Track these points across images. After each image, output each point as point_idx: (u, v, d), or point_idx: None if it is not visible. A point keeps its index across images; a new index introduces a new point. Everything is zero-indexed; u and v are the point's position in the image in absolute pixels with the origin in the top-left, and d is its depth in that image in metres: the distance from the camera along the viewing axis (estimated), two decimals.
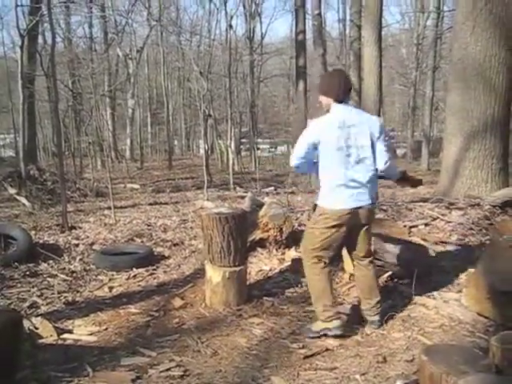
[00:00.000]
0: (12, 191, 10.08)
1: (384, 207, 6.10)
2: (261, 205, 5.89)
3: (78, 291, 4.74)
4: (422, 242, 4.87)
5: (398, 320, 3.73)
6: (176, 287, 4.68)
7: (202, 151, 20.43)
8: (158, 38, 22.47)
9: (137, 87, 25.01)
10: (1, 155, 24.01)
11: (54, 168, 12.69)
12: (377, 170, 3.50)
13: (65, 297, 4.55)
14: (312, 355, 3.24)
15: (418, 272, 4.31)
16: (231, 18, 17.00)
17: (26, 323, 3.56)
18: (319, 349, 3.33)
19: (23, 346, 3.18)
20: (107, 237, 6.71)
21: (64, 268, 5.37)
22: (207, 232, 4.15)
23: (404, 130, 32.63)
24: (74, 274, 5.17)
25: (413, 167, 20.21)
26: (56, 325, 3.79)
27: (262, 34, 27.01)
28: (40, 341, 3.56)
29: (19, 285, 4.84)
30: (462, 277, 4.20)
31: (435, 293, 4.12)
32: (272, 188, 12.24)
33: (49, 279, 5.01)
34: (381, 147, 3.46)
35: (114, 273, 5.21)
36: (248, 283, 4.47)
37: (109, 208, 8.69)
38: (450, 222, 5.45)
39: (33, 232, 6.74)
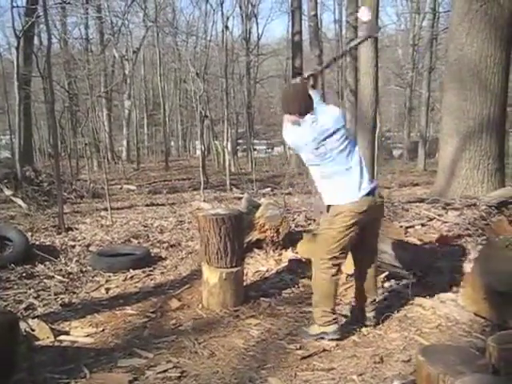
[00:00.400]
0: (8, 193, 10.04)
1: None
2: (257, 206, 5.89)
3: (74, 293, 4.73)
4: (419, 243, 4.88)
5: (395, 320, 3.73)
6: (173, 288, 4.68)
7: (198, 152, 20.43)
8: (154, 39, 22.43)
9: (133, 88, 24.99)
10: None
11: (50, 169, 12.67)
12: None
13: (61, 298, 4.54)
14: (309, 356, 3.24)
15: (414, 272, 4.33)
16: (227, 19, 16.96)
17: (22, 325, 3.54)
18: (316, 349, 3.32)
19: (20, 348, 3.16)
20: (104, 238, 6.70)
21: (60, 269, 5.36)
22: (204, 233, 4.15)
23: (400, 130, 32.68)
24: (71, 276, 5.16)
25: (409, 168, 20.25)
26: (53, 326, 3.78)
27: (258, 35, 27.09)
28: (36, 343, 3.55)
29: (15, 286, 4.83)
30: (459, 277, 4.21)
31: (432, 293, 4.12)
32: (269, 189, 12.24)
33: (45, 281, 5.00)
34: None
35: (111, 274, 5.20)
36: (245, 284, 4.46)
37: (105, 209, 8.67)
38: (446, 222, 5.46)
39: (29, 233, 6.72)
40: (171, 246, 6.13)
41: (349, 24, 15.22)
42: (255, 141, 26.08)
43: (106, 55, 22.39)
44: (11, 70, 13.45)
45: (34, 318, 3.94)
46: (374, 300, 3.69)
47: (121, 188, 13.68)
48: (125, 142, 25.68)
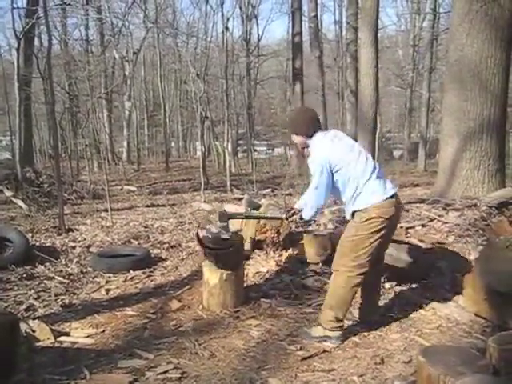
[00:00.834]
0: (8, 194, 10.04)
1: None
2: (258, 206, 5.89)
3: (74, 294, 4.73)
4: (419, 243, 4.88)
5: (396, 321, 3.74)
6: (173, 289, 4.68)
7: (198, 153, 20.39)
8: (154, 40, 22.43)
9: (133, 89, 24.98)
10: None
11: (50, 170, 12.65)
12: None
13: (62, 299, 4.54)
14: (309, 357, 3.24)
15: (415, 273, 4.33)
16: (228, 20, 16.90)
17: (22, 326, 3.54)
18: (317, 350, 3.33)
19: (20, 348, 3.17)
20: (104, 239, 6.70)
21: (61, 270, 5.36)
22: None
23: (401, 131, 32.68)
24: (71, 277, 5.17)
25: (410, 168, 20.24)
26: (53, 327, 3.78)
27: (258, 35, 27.01)
28: (37, 344, 3.55)
29: (16, 287, 4.83)
30: (459, 278, 4.20)
31: (432, 294, 4.12)
32: (269, 190, 12.24)
33: (46, 282, 5.00)
34: None
35: (111, 275, 5.20)
36: (245, 285, 4.47)
37: (106, 210, 8.67)
38: (446, 222, 5.46)
39: (29, 234, 6.72)
40: (171, 247, 6.13)
41: (349, 25, 15.26)
42: (255, 142, 26.08)
43: (107, 56, 22.37)
44: (12, 71, 13.45)
45: (34, 318, 3.94)
46: (377, 303, 3.69)
47: (121, 189, 13.67)
48: (125, 143, 25.67)
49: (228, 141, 15.69)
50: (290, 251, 5.17)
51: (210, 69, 20.95)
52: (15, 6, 12.09)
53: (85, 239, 6.72)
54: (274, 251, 5.18)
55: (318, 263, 4.87)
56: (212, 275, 4.12)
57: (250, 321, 3.89)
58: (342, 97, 22.66)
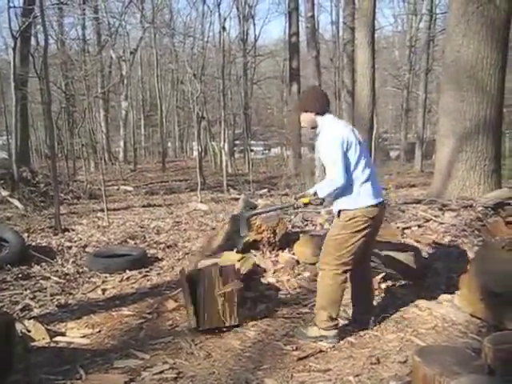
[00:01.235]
0: (4, 193, 10.01)
1: None
2: (254, 207, 5.90)
3: (70, 293, 4.72)
4: (415, 244, 4.89)
5: (391, 321, 3.74)
6: (169, 289, 4.67)
7: (195, 153, 20.37)
8: (151, 40, 22.45)
9: (130, 89, 24.93)
10: None
11: (46, 170, 12.62)
12: None
13: (57, 299, 4.54)
14: (305, 357, 3.24)
15: (410, 273, 4.33)
16: (224, 20, 16.91)
17: (18, 326, 3.53)
18: (313, 350, 3.33)
19: (15, 348, 3.16)
20: (100, 239, 6.70)
21: (57, 270, 5.35)
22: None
23: (397, 131, 32.73)
24: (67, 277, 5.16)
25: (406, 169, 20.27)
26: (49, 327, 3.77)
27: (255, 36, 27.04)
28: (32, 344, 3.54)
29: (12, 287, 4.82)
30: (455, 278, 4.21)
31: (428, 294, 4.13)
32: (266, 190, 12.25)
33: (41, 282, 4.99)
34: None
35: (107, 275, 5.20)
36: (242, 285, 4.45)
37: (102, 210, 8.66)
38: (442, 223, 5.47)
39: (25, 234, 6.71)
40: (168, 247, 6.13)
41: (346, 25, 15.23)
42: (252, 142, 26.04)
43: (103, 56, 22.34)
44: (8, 70, 13.39)
45: (30, 318, 3.93)
46: (371, 303, 3.70)
47: (118, 189, 13.65)
48: (122, 143, 25.60)
49: (225, 141, 15.70)
50: (287, 251, 5.17)
51: (207, 69, 20.97)
52: (12, 5, 12.15)
53: (81, 239, 6.71)
54: (270, 251, 5.17)
55: (314, 263, 4.87)
56: None
57: (246, 321, 3.89)
58: (339, 97, 22.62)
